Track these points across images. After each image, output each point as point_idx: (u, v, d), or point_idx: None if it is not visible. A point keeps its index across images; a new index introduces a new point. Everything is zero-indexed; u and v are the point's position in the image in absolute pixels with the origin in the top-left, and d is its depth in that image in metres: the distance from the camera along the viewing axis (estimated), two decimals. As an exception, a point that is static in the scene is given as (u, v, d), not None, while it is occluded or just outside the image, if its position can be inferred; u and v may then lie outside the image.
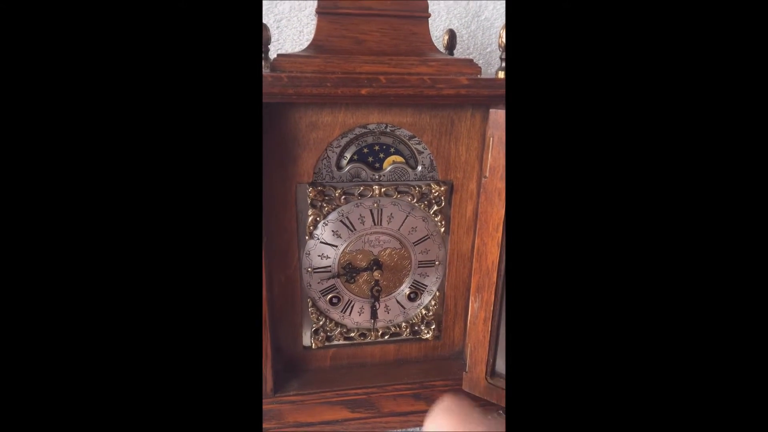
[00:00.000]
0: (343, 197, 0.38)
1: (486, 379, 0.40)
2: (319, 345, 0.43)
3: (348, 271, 0.41)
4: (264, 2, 0.50)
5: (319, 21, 0.35)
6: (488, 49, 0.58)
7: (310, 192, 0.37)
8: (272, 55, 0.36)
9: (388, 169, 0.39)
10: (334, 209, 0.38)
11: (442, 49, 0.45)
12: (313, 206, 0.38)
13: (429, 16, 0.37)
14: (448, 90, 0.33)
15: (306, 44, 0.52)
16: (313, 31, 0.37)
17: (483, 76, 0.35)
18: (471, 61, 0.36)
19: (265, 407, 0.40)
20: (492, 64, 0.59)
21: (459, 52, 0.52)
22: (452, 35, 0.46)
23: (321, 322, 0.42)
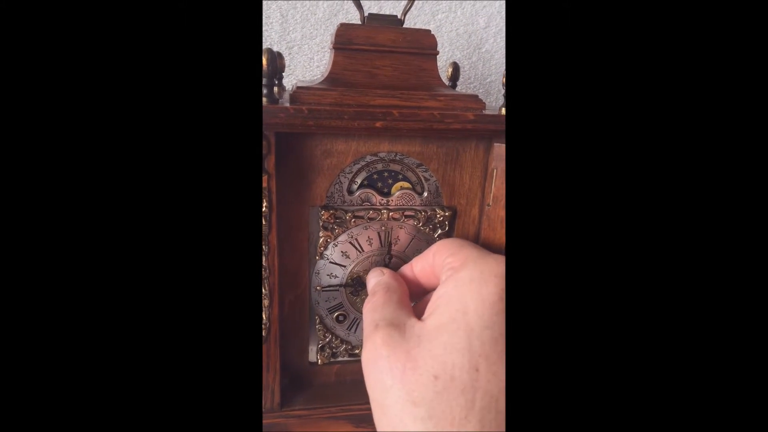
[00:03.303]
0: (353, 220, 0.40)
1: (485, 396, 0.42)
2: (325, 361, 0.44)
3: (355, 283, 0.42)
4: (276, 31, 0.52)
5: (335, 56, 0.38)
6: (488, 80, 0.61)
7: (322, 215, 0.39)
8: (286, 81, 0.38)
9: (396, 194, 0.41)
10: (344, 231, 0.40)
11: (445, 80, 0.48)
12: (325, 228, 0.40)
13: (437, 53, 0.40)
14: (456, 124, 0.35)
15: (316, 70, 0.55)
16: (327, 62, 0.40)
17: (486, 106, 0.38)
18: (476, 96, 0.39)
19: (271, 421, 0.41)
20: (491, 93, 0.62)
21: (461, 82, 0.55)
22: (456, 68, 0.48)
23: (327, 339, 0.44)
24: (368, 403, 0.45)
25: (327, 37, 0.53)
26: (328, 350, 0.44)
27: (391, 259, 0.42)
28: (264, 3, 0.50)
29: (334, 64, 0.38)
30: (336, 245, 0.41)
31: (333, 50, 0.38)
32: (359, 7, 0.40)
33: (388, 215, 0.41)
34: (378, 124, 0.34)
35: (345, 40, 0.38)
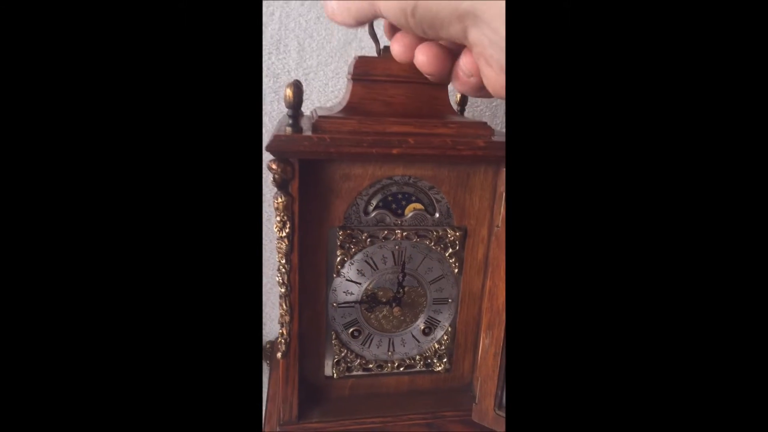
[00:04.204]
0: (368, 239, 0.42)
1: (494, 410, 0.43)
2: (340, 375, 0.46)
3: (371, 299, 0.44)
4: (294, 58, 0.55)
5: (353, 86, 0.40)
6: (494, 103, 0.64)
7: (340, 235, 0.41)
8: (303, 106, 0.40)
9: (410, 215, 0.43)
10: (360, 250, 0.42)
11: (455, 105, 0.50)
12: (342, 247, 0.42)
13: (449, 82, 0.42)
14: (467, 151, 0.38)
15: (331, 95, 0.58)
16: (345, 91, 0.42)
17: (494, 131, 0.40)
18: (485, 123, 0.41)
19: (289, 433, 0.43)
20: (497, 116, 0.64)
21: (468, 106, 0.57)
22: (464, 97, 0.51)
23: (343, 354, 0.46)
24: (381, 416, 0.46)
25: (341, 64, 0.56)
26: (343, 365, 0.46)
27: (405, 277, 0.44)
28: (282, 32, 0.53)
29: (353, 94, 0.40)
30: (352, 263, 0.43)
31: (351, 81, 0.40)
32: (375, 40, 0.43)
33: (402, 235, 0.43)
34: (395, 151, 0.36)
35: (362, 71, 0.40)
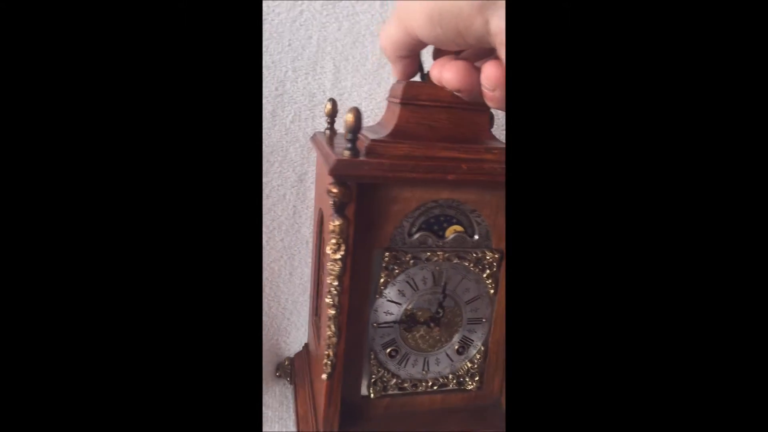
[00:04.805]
0: (411, 261, 0.43)
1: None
2: (377, 395, 0.46)
3: (410, 319, 0.45)
4: (330, 79, 0.56)
5: (401, 110, 0.41)
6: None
7: (386, 256, 0.42)
8: (337, 125, 0.41)
9: (450, 237, 0.44)
10: (403, 271, 0.43)
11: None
12: (386, 269, 0.42)
13: (489, 108, 0.44)
14: (516, 177, 0.39)
15: (363, 115, 0.59)
16: (390, 115, 0.43)
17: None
18: (526, 150, 0.43)
19: (328, 455, 0.43)
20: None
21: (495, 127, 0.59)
22: (491, 116, 0.53)
23: (380, 374, 0.46)
24: (416, 435, 0.47)
25: (374, 86, 0.58)
26: (380, 384, 0.46)
27: (446, 298, 0.45)
28: (319, 54, 0.54)
29: (400, 117, 0.41)
30: (394, 284, 0.43)
31: (399, 105, 0.41)
32: (420, 66, 0.44)
33: (444, 256, 0.44)
34: (450, 177, 0.37)
35: (411, 96, 0.41)
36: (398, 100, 0.41)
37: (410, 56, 0.32)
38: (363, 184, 0.38)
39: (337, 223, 0.37)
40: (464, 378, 0.49)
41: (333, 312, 0.39)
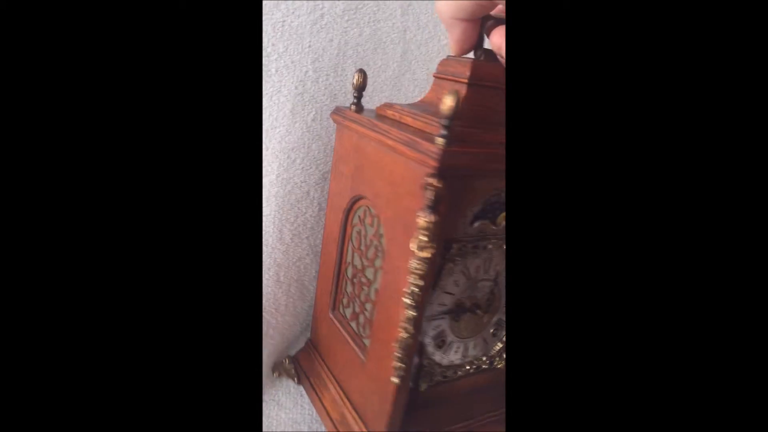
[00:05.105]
0: (473, 250, 0.41)
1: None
2: (425, 387, 0.45)
3: (459, 309, 0.44)
4: (351, 81, 0.50)
5: (469, 91, 0.38)
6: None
7: (453, 247, 0.39)
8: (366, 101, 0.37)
9: (502, 224, 0.43)
10: (462, 260, 0.41)
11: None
12: (449, 260, 0.40)
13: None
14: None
15: (393, 92, 0.56)
16: (450, 94, 0.40)
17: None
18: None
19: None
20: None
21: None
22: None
23: (427, 365, 0.45)
24: (465, 420, 0.47)
25: (394, 92, 0.58)
26: (428, 376, 0.45)
27: (497, 285, 0.44)
28: (340, 57, 0.53)
29: (468, 100, 0.38)
30: (451, 275, 0.42)
31: (466, 86, 0.38)
32: (480, 41, 0.41)
33: (497, 244, 0.43)
34: (536, 168, 0.36)
35: (478, 77, 0.38)
36: (465, 80, 0.38)
37: (470, 20, 0.29)
38: (455, 175, 0.34)
39: (431, 219, 0.33)
40: (495, 357, 0.50)
41: (415, 314, 0.36)
